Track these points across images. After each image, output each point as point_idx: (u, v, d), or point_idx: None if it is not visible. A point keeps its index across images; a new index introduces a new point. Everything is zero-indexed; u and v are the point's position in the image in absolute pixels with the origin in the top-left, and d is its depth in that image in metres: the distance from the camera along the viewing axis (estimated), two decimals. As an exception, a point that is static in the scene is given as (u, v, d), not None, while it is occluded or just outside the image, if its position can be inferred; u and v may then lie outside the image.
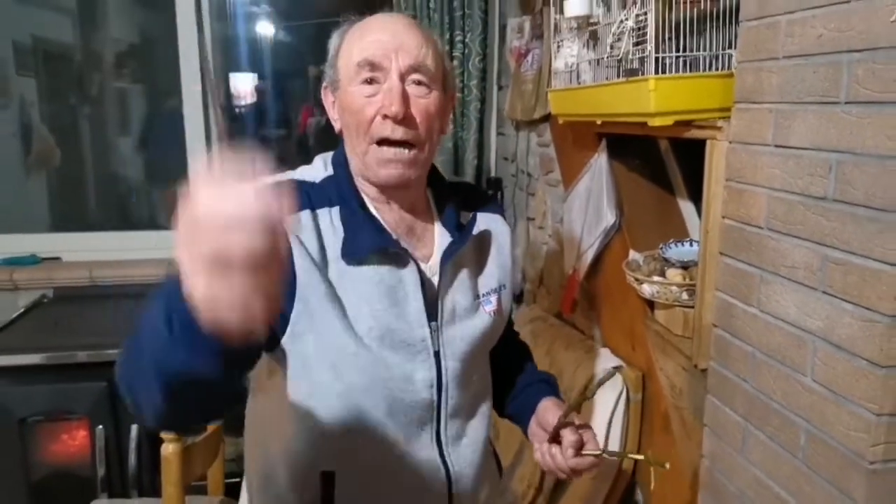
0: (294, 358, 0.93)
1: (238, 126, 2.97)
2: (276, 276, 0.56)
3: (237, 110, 2.97)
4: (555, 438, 1.07)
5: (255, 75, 2.96)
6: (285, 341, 0.91)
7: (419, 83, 0.94)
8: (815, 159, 1.00)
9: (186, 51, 2.57)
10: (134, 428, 2.02)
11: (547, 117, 2.12)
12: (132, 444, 2.02)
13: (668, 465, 1.05)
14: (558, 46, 1.72)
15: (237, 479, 1.23)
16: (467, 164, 2.66)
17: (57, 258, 2.55)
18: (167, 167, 2.85)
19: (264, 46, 2.96)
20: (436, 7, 2.52)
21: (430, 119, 0.95)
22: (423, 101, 0.95)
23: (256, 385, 1.02)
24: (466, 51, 2.57)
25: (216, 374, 0.65)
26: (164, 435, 1.41)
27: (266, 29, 3.00)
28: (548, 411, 1.10)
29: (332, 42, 1.00)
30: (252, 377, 1.00)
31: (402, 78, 0.93)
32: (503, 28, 2.59)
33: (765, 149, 1.11)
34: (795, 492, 1.05)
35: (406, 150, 0.95)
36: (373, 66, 0.93)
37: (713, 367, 1.27)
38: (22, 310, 2.32)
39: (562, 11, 1.58)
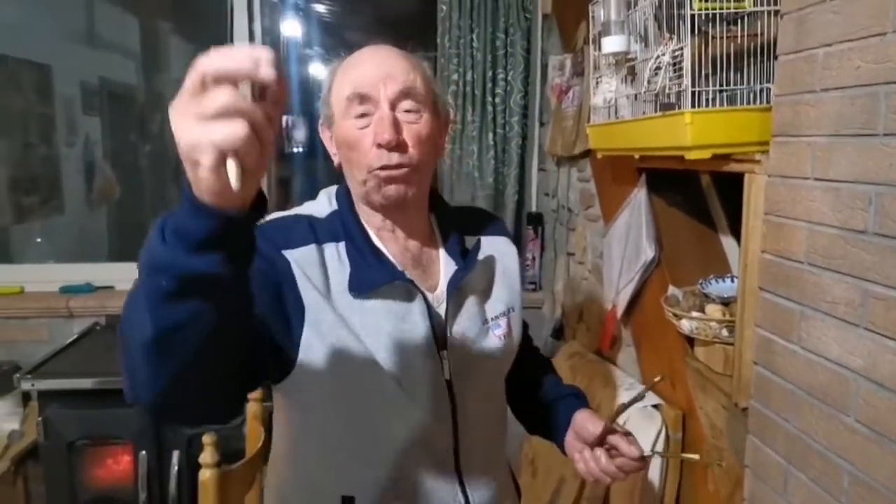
0: (307, 388, 0.94)
1: (289, 161, 3.07)
2: (277, 117, 0.63)
3: (288, 148, 3.07)
4: (599, 444, 1.06)
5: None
6: (296, 372, 0.92)
7: (409, 110, 0.95)
8: (855, 192, 0.98)
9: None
10: (175, 454, 2.06)
11: (587, 153, 2.12)
12: (173, 471, 2.06)
13: (723, 464, 1.02)
14: (597, 82, 1.73)
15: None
16: (508, 200, 2.68)
17: (110, 287, 2.65)
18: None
19: (316, 86, 3.07)
20: (479, 46, 2.57)
21: (422, 142, 0.96)
22: (415, 126, 0.95)
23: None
24: (508, 88, 2.61)
25: (213, 266, 0.62)
26: (202, 460, 1.43)
27: (318, 70, 3.11)
28: (586, 422, 1.08)
29: (325, 79, 1.02)
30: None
31: (393, 105, 0.94)
32: (545, 66, 2.62)
33: (804, 182, 1.09)
34: (839, 538, 1.00)
35: (402, 170, 0.95)
36: (362, 97, 0.94)
37: (754, 407, 1.23)
38: (75, 336, 2.40)
39: (600, 48, 1.60)
